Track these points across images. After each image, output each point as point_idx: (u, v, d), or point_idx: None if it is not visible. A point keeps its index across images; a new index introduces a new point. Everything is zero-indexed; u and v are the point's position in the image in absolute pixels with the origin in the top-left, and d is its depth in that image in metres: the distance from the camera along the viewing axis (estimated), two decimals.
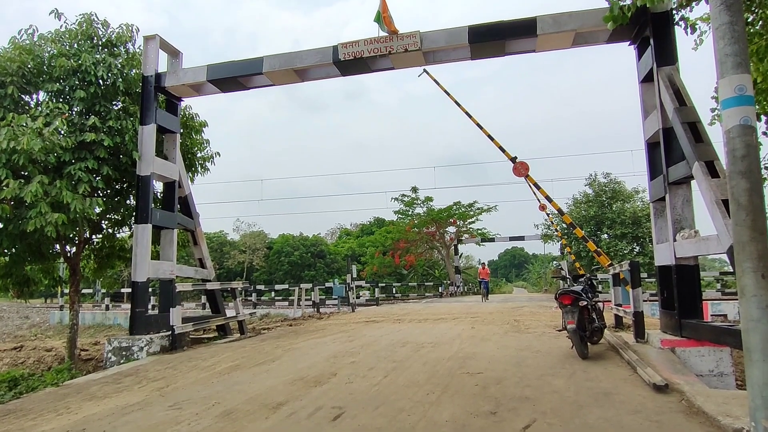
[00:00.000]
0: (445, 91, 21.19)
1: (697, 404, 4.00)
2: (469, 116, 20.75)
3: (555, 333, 8.07)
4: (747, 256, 2.45)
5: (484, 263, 25.38)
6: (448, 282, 32.95)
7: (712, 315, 13.56)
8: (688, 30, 6.85)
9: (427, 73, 21.34)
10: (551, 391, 4.69)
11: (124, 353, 8.20)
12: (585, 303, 6.22)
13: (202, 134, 11.65)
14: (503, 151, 19.67)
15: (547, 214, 26.99)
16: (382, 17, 8.42)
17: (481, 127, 20.30)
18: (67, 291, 11.81)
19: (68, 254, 10.21)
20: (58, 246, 9.93)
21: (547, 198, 19.13)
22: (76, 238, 9.94)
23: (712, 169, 5.76)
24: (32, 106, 9.28)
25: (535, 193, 19.95)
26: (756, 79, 6.50)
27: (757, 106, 7.09)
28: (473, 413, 4.12)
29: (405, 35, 8.41)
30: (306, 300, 18.86)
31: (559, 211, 19.91)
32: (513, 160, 19.67)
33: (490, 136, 20.06)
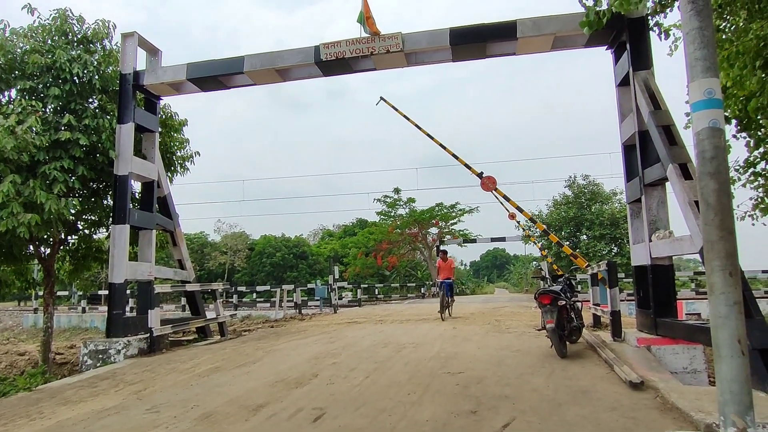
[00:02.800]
0: (404, 116, 21.73)
1: (671, 400, 4.10)
2: (431, 138, 21.34)
3: (535, 333, 8.17)
4: (716, 255, 2.52)
5: (444, 251, 13.69)
6: (431, 283, 33.08)
7: (686, 314, 13.87)
8: (662, 35, 7.03)
9: (384, 100, 21.88)
10: (530, 390, 4.75)
11: (100, 356, 8.03)
12: (564, 302, 6.32)
13: (182, 133, 11.48)
14: (469, 167, 20.34)
15: (517, 222, 27.43)
16: (365, 18, 8.43)
17: (444, 147, 20.99)
18: (41, 293, 11.51)
19: (42, 255, 9.96)
20: (31, 247, 9.67)
21: (518, 209, 19.56)
22: (51, 239, 9.70)
23: (685, 171, 5.91)
24: (3, 103, 9.03)
25: (502, 203, 20.35)
26: (726, 84, 6.69)
27: (728, 111, 7.30)
28: (454, 412, 4.15)
29: (387, 36, 8.43)
30: (288, 301, 18.74)
31: (531, 219, 20.35)
32: (480, 175, 20.35)
33: (454, 155, 20.70)
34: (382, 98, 21.55)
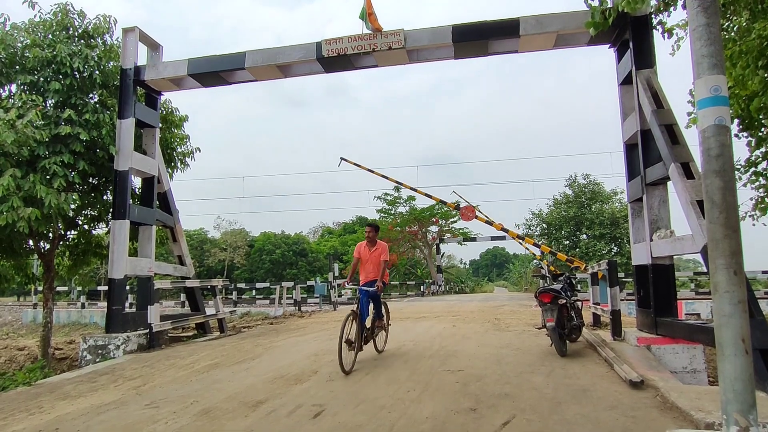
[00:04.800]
0: (369, 170, 24.28)
1: (671, 400, 4.09)
2: (401, 184, 24.21)
3: (535, 331, 8.16)
4: (720, 253, 2.51)
5: (372, 227, 6.85)
6: (430, 281, 33.09)
7: (686, 314, 13.89)
8: (665, 34, 7.00)
9: (345, 159, 23.34)
10: (530, 388, 4.74)
11: (100, 352, 8.03)
12: (564, 301, 6.31)
13: (182, 129, 11.46)
14: (445, 203, 21.77)
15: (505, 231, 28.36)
16: (367, 14, 8.39)
17: (416, 189, 23.58)
18: (40, 289, 11.51)
19: (42, 250, 9.94)
20: (31, 242, 9.65)
21: (503, 230, 20.27)
22: (51, 234, 9.68)
23: (687, 171, 5.90)
24: (4, 97, 9.00)
25: (489, 223, 21.31)
26: (729, 84, 6.67)
27: (730, 110, 7.28)
28: (453, 410, 4.14)
29: (389, 33, 8.39)
30: (287, 298, 18.73)
31: (519, 236, 20.83)
32: (457, 207, 21.41)
33: (427, 195, 23.09)
34: (342, 158, 23.36)
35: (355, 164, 22.82)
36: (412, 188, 22.38)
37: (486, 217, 21.60)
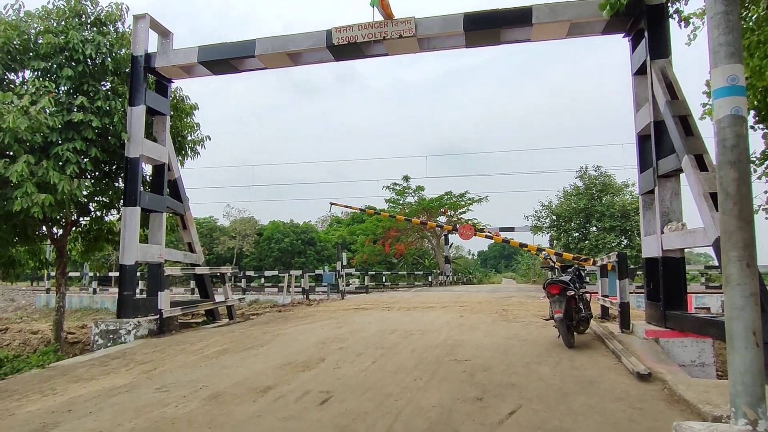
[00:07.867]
0: (360, 210, 26.89)
1: (678, 392, 4.08)
2: (394, 217, 27.15)
3: (542, 322, 8.16)
4: (733, 245, 2.48)
5: None
6: (438, 271, 33.10)
7: (695, 307, 13.78)
8: (682, 23, 6.87)
9: (334, 203, 25.89)
10: (537, 379, 4.75)
11: (111, 336, 8.16)
12: (572, 293, 6.28)
13: (193, 117, 11.49)
14: (440, 227, 23.45)
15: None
16: (379, 1, 8.30)
17: (409, 220, 25.94)
18: (53, 274, 11.74)
19: (55, 236, 10.08)
20: (44, 228, 9.79)
21: (505, 241, 20.71)
22: (63, 220, 9.80)
23: (701, 163, 5.82)
24: (18, 84, 9.08)
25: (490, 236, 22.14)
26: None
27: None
28: (460, 399, 4.16)
29: (400, 21, 8.32)
30: (296, 287, 18.87)
31: (521, 245, 21.19)
32: (455, 228, 22.39)
33: (423, 222, 25.57)
34: (331, 203, 26.10)
35: (345, 206, 25.70)
36: (407, 218, 25.58)
37: (486, 233, 22.23)
